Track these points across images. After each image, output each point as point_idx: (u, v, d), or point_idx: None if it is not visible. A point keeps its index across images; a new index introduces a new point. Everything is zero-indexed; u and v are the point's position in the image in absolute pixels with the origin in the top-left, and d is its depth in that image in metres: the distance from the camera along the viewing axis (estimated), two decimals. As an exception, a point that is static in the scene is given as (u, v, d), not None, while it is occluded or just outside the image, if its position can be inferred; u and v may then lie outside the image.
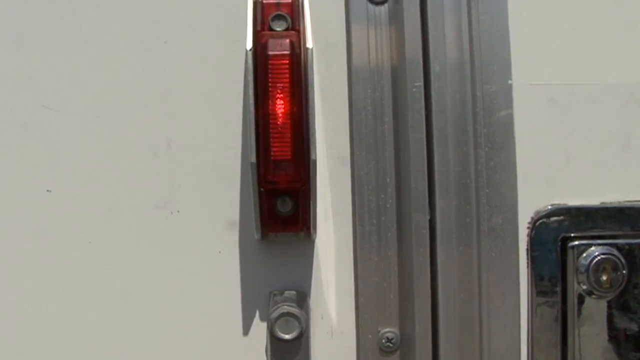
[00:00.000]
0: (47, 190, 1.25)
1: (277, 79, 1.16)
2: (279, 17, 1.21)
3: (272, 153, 1.16)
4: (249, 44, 1.15)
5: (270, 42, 1.17)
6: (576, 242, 1.25)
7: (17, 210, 1.25)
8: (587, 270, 1.23)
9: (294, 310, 1.23)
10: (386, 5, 1.26)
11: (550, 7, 1.26)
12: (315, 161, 1.15)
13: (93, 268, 1.25)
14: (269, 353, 1.26)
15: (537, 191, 1.25)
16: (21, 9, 1.25)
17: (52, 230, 1.25)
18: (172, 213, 1.26)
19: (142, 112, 1.25)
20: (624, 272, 1.23)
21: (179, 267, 1.26)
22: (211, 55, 1.26)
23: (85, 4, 1.25)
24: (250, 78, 1.14)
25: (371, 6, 1.26)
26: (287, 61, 1.16)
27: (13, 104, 1.25)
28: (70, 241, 1.25)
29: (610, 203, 1.26)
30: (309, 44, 1.14)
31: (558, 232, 1.25)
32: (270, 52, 1.16)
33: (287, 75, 1.16)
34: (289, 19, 1.21)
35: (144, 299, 1.26)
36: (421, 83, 1.23)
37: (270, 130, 1.15)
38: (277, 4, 1.23)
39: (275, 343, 1.25)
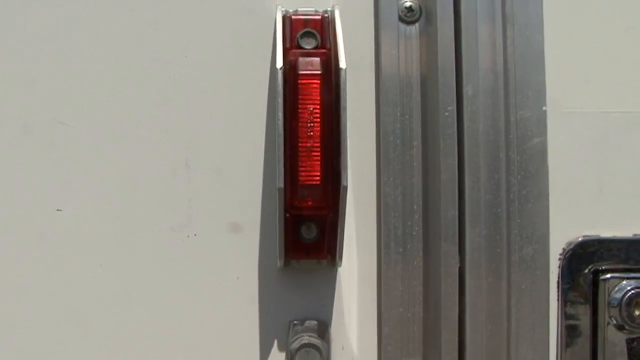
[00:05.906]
0: (58, 210, 1.18)
1: (307, 100, 1.10)
2: (308, 34, 1.16)
3: (300, 178, 1.10)
4: (279, 63, 1.09)
5: (301, 61, 1.11)
6: (608, 275, 1.21)
7: (26, 230, 1.18)
8: (619, 304, 1.19)
9: (315, 340, 1.19)
10: (417, 24, 1.21)
11: (586, 33, 1.22)
12: (345, 187, 1.09)
13: (104, 293, 1.19)
14: (287, 385, 1.21)
15: (569, 221, 1.21)
16: (40, 25, 1.19)
17: (61, 251, 1.19)
18: (188, 236, 1.20)
19: (160, 130, 1.20)
20: (658, 307, 1.20)
21: (195, 293, 1.20)
22: (233, 72, 1.20)
23: (105, 18, 1.19)
24: (280, 99, 1.09)
25: (402, 25, 1.21)
26: (318, 81, 1.10)
27: (27, 119, 1.18)
28: (80, 264, 1.19)
29: (644, 235, 1.22)
30: (342, 63, 1.09)
31: (589, 264, 1.21)
32: (301, 72, 1.11)
33: (318, 96, 1.10)
34: (318, 36, 1.16)
35: (157, 325, 1.20)
36: (453, 107, 1.18)
37: (299, 153, 1.10)
38: (306, 21, 1.18)
39: (294, 375, 1.19)
